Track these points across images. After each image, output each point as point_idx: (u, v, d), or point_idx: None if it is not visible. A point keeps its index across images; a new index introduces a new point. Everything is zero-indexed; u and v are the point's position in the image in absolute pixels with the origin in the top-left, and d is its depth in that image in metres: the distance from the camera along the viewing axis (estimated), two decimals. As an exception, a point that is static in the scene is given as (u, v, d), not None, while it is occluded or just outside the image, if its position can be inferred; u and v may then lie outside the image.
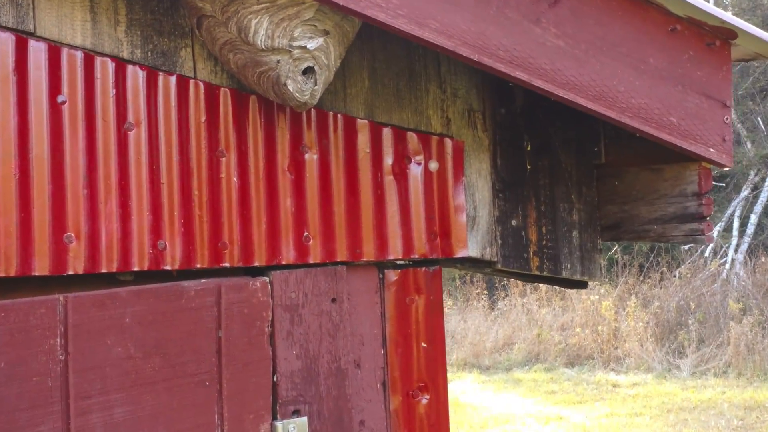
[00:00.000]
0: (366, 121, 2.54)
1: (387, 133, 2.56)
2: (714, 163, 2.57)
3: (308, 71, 2.25)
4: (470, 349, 16.94)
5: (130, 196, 2.28)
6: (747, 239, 18.97)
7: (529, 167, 2.74)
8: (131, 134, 2.29)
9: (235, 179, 2.39)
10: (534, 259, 2.72)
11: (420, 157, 2.59)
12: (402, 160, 2.57)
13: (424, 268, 2.62)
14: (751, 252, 18.41)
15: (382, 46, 2.59)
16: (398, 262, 2.60)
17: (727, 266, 18.36)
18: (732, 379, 14.37)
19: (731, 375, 14.60)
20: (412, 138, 2.59)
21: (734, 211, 19.53)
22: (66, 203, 2.21)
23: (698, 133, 2.51)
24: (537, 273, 2.72)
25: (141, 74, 2.32)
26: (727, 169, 2.51)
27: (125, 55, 2.32)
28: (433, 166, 2.60)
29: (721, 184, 19.63)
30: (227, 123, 2.39)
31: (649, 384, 14.26)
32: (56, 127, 2.22)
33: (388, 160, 2.55)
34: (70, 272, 2.20)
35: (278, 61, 2.21)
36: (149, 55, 2.34)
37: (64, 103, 2.23)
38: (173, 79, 2.35)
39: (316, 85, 2.25)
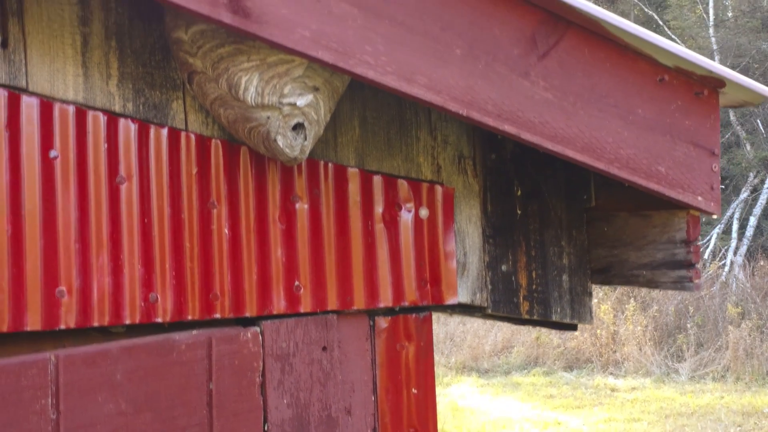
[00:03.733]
0: (356, 170, 2.56)
1: (377, 181, 2.58)
2: (702, 211, 2.59)
3: (298, 127, 2.27)
4: (469, 352, 16.98)
5: (122, 250, 2.30)
6: (746, 241, 18.99)
7: (519, 212, 2.76)
8: (123, 187, 2.31)
9: (226, 230, 2.41)
10: (524, 303, 2.74)
11: (410, 205, 2.61)
12: (392, 207, 2.59)
13: (414, 315, 2.64)
14: (750, 255, 18.43)
15: (372, 95, 2.61)
16: (389, 309, 2.62)
17: (726, 269, 18.38)
18: (730, 384, 14.41)
19: (729, 379, 14.64)
20: (403, 185, 2.61)
21: (733, 214, 19.55)
22: (58, 258, 2.23)
23: (686, 181, 2.53)
24: (527, 317, 2.74)
25: (133, 127, 2.34)
26: (714, 217, 2.53)
27: (117, 108, 2.33)
28: (424, 213, 2.62)
29: (720, 186, 19.61)
30: (218, 174, 2.41)
31: (648, 388, 14.30)
32: (48, 182, 2.24)
33: (379, 208, 2.57)
34: (62, 327, 2.23)
35: (268, 118, 2.23)
36: (141, 108, 2.36)
37: (56, 158, 2.25)
38: (165, 131, 2.37)
39: (306, 140, 2.27)
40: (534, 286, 2.74)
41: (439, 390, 14.11)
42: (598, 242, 2.80)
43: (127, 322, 2.29)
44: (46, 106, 2.25)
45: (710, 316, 15.94)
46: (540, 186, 2.77)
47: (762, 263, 17.46)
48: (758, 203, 19.29)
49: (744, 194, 19.76)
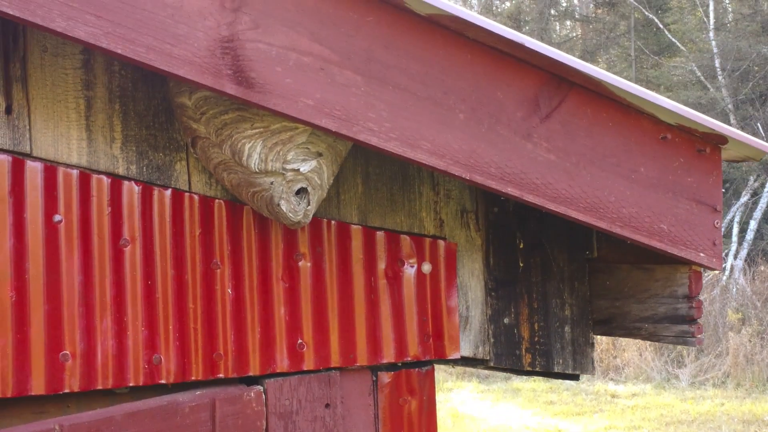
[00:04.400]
0: (359, 227, 2.57)
1: (380, 238, 2.58)
2: (704, 267, 2.60)
3: (301, 192, 2.27)
4: (469, 357, 16.95)
5: (126, 312, 2.31)
6: (746, 245, 19.01)
7: (521, 264, 2.77)
8: (126, 250, 2.32)
9: (229, 290, 2.42)
10: (526, 355, 2.75)
11: (413, 260, 2.62)
12: (395, 263, 2.60)
13: (416, 369, 2.65)
14: (751, 259, 18.45)
15: (375, 152, 2.61)
16: (391, 364, 2.62)
17: (726, 272, 18.39)
18: (731, 390, 14.42)
19: (730, 386, 14.65)
20: (406, 241, 2.61)
21: (734, 217, 19.56)
22: (62, 321, 2.25)
23: (689, 238, 2.53)
24: (529, 369, 2.75)
25: (136, 190, 2.34)
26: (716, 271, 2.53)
27: (121, 171, 2.34)
28: (426, 268, 2.62)
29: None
30: (222, 235, 2.42)
31: (648, 395, 14.31)
32: (52, 246, 2.25)
33: (382, 264, 2.58)
34: (66, 390, 2.24)
35: (272, 183, 2.24)
36: (145, 170, 2.37)
37: (60, 222, 2.26)
38: (168, 193, 2.37)
39: (309, 205, 2.28)
40: (536, 338, 2.75)
41: (439, 396, 14.14)
42: (600, 293, 2.80)
43: (131, 384, 2.31)
44: (50, 170, 2.26)
45: (710, 322, 15.96)
46: (542, 238, 2.78)
47: (762, 268, 17.47)
48: (758, 207, 19.29)
49: (744, 197, 19.77)
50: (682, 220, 2.52)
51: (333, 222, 2.54)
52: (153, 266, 2.35)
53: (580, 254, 2.82)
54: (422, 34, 2.23)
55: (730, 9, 21.68)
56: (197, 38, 2.05)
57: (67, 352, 2.24)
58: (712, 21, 20.11)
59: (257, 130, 2.21)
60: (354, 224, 2.57)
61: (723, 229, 19.48)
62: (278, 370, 2.46)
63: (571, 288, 2.81)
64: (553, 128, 2.36)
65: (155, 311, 2.34)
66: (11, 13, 1.91)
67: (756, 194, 19.67)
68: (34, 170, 2.24)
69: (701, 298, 2.66)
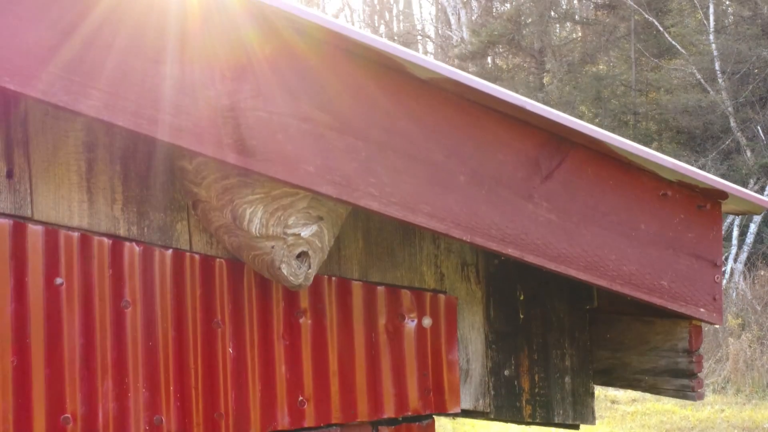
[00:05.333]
0: (360, 283, 2.57)
1: (381, 293, 2.59)
2: (704, 322, 2.60)
3: (302, 255, 2.28)
4: (469, 362, 16.97)
5: (127, 374, 2.31)
6: (746, 248, 19.01)
7: (522, 316, 2.77)
8: (128, 312, 2.33)
9: (230, 350, 2.42)
10: (526, 407, 2.75)
11: (414, 314, 2.62)
12: (396, 318, 2.60)
13: (417, 423, 2.66)
14: (751, 263, 18.44)
15: (376, 208, 2.62)
16: (392, 419, 2.63)
17: (726, 276, 18.40)
18: (731, 396, 14.42)
19: (730, 391, 14.66)
20: (406, 295, 2.62)
21: (733, 220, 19.55)
22: (64, 385, 2.25)
23: (689, 294, 2.54)
24: (529, 420, 2.75)
25: (137, 251, 2.35)
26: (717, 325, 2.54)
27: (122, 232, 2.34)
28: (427, 322, 2.63)
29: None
30: (223, 294, 2.42)
31: (648, 401, 14.31)
32: (53, 309, 2.25)
33: (382, 320, 2.59)
34: (68, 454, 2.24)
35: (272, 247, 2.24)
36: (146, 231, 2.37)
37: (61, 285, 2.26)
38: (169, 253, 2.38)
39: (310, 268, 2.28)
40: (536, 390, 2.76)
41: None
42: (601, 343, 2.81)
43: (132, 446, 2.31)
44: (51, 233, 2.26)
45: (710, 327, 15.97)
46: (542, 289, 2.79)
47: (762, 272, 17.47)
48: (758, 210, 19.25)
49: (744, 201, 19.72)
50: (682, 276, 2.52)
51: (334, 278, 2.54)
52: (154, 327, 2.35)
53: (580, 304, 2.82)
54: (423, 98, 2.23)
55: (730, 12, 21.66)
56: (198, 108, 2.05)
57: (68, 415, 2.25)
58: (712, 24, 20.10)
59: (258, 196, 2.22)
60: (355, 280, 2.57)
61: (723, 232, 19.48)
62: (279, 428, 2.47)
63: (571, 338, 2.81)
64: (553, 188, 2.37)
65: (156, 372, 2.34)
66: (13, 88, 1.91)
67: (756, 197, 19.63)
68: (35, 234, 2.25)
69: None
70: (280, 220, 2.22)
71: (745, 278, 17.81)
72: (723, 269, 18.40)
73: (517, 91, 16.84)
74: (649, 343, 2.69)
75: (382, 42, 2.16)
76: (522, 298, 2.77)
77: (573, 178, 2.39)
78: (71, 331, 2.27)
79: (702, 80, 19.92)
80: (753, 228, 19.07)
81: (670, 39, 20.51)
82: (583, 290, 2.83)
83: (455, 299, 2.67)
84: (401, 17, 31.38)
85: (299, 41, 2.13)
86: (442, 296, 2.65)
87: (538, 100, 16.81)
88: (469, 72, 20.31)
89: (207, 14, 2.05)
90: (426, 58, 2.22)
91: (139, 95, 1.99)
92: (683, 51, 20.53)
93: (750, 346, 15.01)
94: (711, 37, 20.00)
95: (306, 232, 2.25)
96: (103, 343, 2.30)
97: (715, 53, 19.84)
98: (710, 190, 2.52)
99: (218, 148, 2.07)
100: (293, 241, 2.24)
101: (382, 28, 30.16)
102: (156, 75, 2.01)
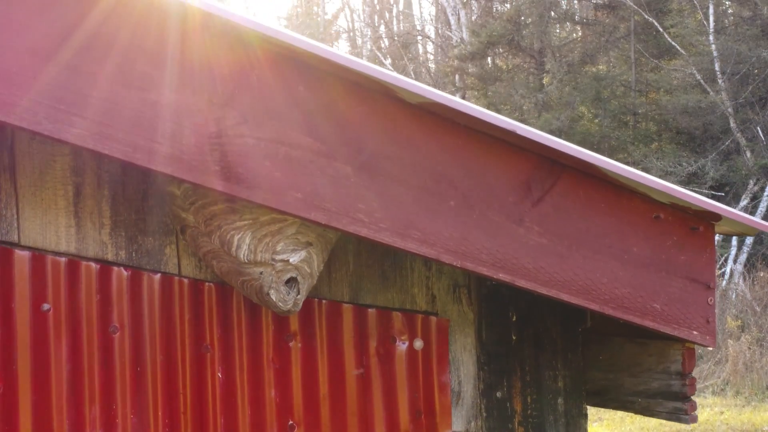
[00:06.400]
0: (350, 305, 2.55)
1: (372, 315, 2.57)
2: (697, 344, 2.58)
3: (291, 281, 2.26)
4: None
5: (115, 400, 2.30)
6: (746, 249, 18.98)
7: (514, 338, 2.75)
8: (116, 337, 2.31)
9: (219, 374, 2.40)
10: (519, 429, 2.74)
11: (405, 337, 2.60)
12: (387, 340, 2.58)
13: (408, 446, 2.64)
14: (751, 264, 18.42)
15: (367, 229, 2.60)
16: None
17: (726, 277, 18.38)
18: (730, 398, 14.40)
19: (729, 393, 14.63)
20: (397, 318, 2.60)
21: (734, 221, 19.46)
22: (51, 412, 2.24)
23: (681, 317, 2.52)
24: (522, 442, 2.74)
25: (125, 275, 2.33)
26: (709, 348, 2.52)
27: (110, 257, 2.33)
28: (418, 344, 2.61)
29: (720, 193, 19.65)
30: (212, 318, 2.40)
31: (647, 403, 14.28)
32: (40, 335, 2.24)
33: (373, 342, 2.57)
34: (55, 481, 2.22)
35: (261, 273, 2.23)
36: (134, 255, 2.35)
37: (48, 311, 2.25)
38: (158, 278, 2.36)
39: (299, 294, 2.27)
40: (529, 411, 2.74)
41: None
42: (594, 364, 2.79)
43: (121, 472, 2.29)
44: (38, 259, 2.25)
45: (710, 329, 15.91)
46: (535, 310, 2.77)
47: (762, 273, 17.44)
48: (758, 211, 19.25)
49: (744, 201, 19.72)
50: (675, 299, 2.51)
51: (324, 301, 2.52)
52: (143, 352, 2.33)
53: (573, 325, 2.81)
54: (413, 123, 2.22)
55: (730, 12, 21.61)
56: (185, 135, 2.03)
57: (56, 441, 2.23)
58: (712, 24, 20.05)
59: (246, 222, 2.20)
60: (345, 302, 2.55)
61: (722, 234, 19.40)
62: (269, 452, 2.45)
63: (564, 359, 2.79)
64: (545, 211, 2.35)
65: (145, 398, 2.33)
66: (-4, 117, 1.89)
67: (756, 198, 19.64)
68: (22, 259, 2.23)
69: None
70: (269, 246, 2.21)
71: (744, 279, 17.79)
72: (722, 270, 18.38)
73: (516, 92, 16.72)
74: (642, 364, 2.67)
75: (371, 67, 2.14)
76: (514, 319, 2.76)
77: (565, 202, 2.37)
78: (58, 357, 2.25)
79: (702, 81, 19.88)
80: (753, 229, 18.99)
81: (669, 39, 20.46)
82: (576, 311, 2.81)
83: (447, 321, 2.65)
84: (401, 17, 31.34)
85: (286, 67, 2.11)
86: (433, 318, 2.64)
87: (537, 101, 16.67)
88: (469, 72, 20.20)
89: (193, 41, 2.03)
90: (415, 82, 2.20)
91: (126, 122, 1.97)
92: (683, 51, 20.48)
93: (749, 348, 14.98)
94: (711, 37, 19.95)
95: (295, 258, 2.23)
96: (90, 369, 2.28)
97: (715, 54, 19.79)
98: (703, 212, 2.50)
99: (205, 176, 2.05)
100: (282, 267, 2.22)
101: (382, 28, 30.12)
102: (143, 102, 1.99)
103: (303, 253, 2.24)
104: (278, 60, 2.09)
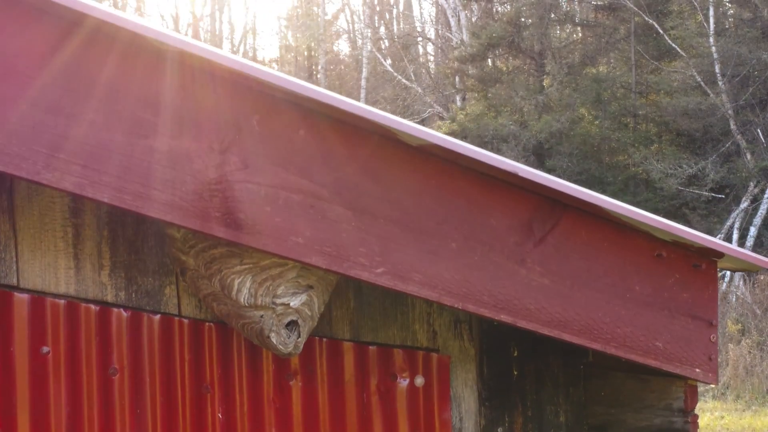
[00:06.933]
0: (351, 344, 2.54)
1: (373, 353, 2.56)
2: (699, 381, 2.57)
3: (292, 324, 2.25)
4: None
5: (115, 442, 2.29)
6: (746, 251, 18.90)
7: (515, 373, 2.74)
8: (115, 379, 2.30)
9: (219, 415, 2.39)
10: (521, 464, 2.73)
11: (406, 374, 2.59)
12: (388, 378, 2.57)
13: (410, 483, 2.63)
14: (751, 267, 18.35)
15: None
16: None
17: (727, 279, 18.36)
18: (730, 402, 14.37)
19: (729, 397, 14.61)
20: (398, 355, 2.59)
21: (733, 223, 19.51)
22: (50, 455, 2.22)
23: (684, 355, 2.51)
24: (523, 478, 2.73)
25: (125, 316, 2.32)
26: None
27: (109, 298, 2.32)
28: (419, 381, 2.60)
29: (720, 195, 19.63)
30: (212, 358, 2.39)
31: (646, 407, 14.27)
32: (40, 378, 2.23)
33: (374, 380, 2.56)
34: None
35: (261, 316, 2.22)
36: (134, 296, 2.34)
37: (47, 354, 2.23)
38: (157, 318, 2.35)
39: (299, 337, 2.26)
40: (530, 446, 2.73)
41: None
42: (596, 399, 2.78)
43: None
44: (38, 302, 2.24)
45: (710, 332, 15.90)
46: (536, 345, 2.76)
47: (762, 276, 17.42)
48: (758, 213, 19.24)
49: (744, 204, 19.70)
50: (677, 337, 2.49)
51: (325, 340, 2.51)
52: (143, 393, 2.32)
53: (575, 360, 2.79)
54: (414, 165, 2.21)
55: (730, 14, 21.59)
56: (185, 182, 2.02)
57: (55, 485, 2.22)
58: (712, 26, 20.03)
59: (246, 266, 2.19)
60: (346, 341, 2.54)
61: (723, 235, 19.43)
62: (269, 492, 2.44)
63: (566, 394, 2.78)
64: (547, 252, 2.34)
65: (144, 439, 2.31)
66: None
67: (756, 200, 19.61)
68: (21, 302, 2.22)
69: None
70: (269, 290, 2.19)
71: (745, 282, 17.78)
72: (723, 273, 18.36)
73: (517, 94, 16.60)
74: (644, 400, 2.66)
75: (371, 111, 2.13)
76: (516, 354, 2.75)
77: (567, 241, 2.36)
78: (58, 399, 2.24)
79: (702, 83, 19.85)
80: (753, 231, 19.02)
81: (670, 41, 20.43)
82: (578, 346, 2.80)
83: (448, 358, 2.64)
84: (401, 18, 31.29)
85: (287, 111, 2.10)
86: (434, 355, 2.63)
87: (537, 103, 16.55)
88: (469, 74, 20.10)
89: (193, 87, 2.01)
90: (415, 125, 2.19)
91: (125, 170, 1.96)
92: (683, 53, 20.45)
93: (750, 352, 14.96)
94: (711, 39, 19.93)
95: (295, 302, 2.22)
96: (90, 412, 2.27)
97: (715, 56, 19.77)
98: (705, 249, 2.49)
99: (206, 222, 2.04)
100: (282, 311, 2.21)
101: (382, 29, 30.08)
102: (143, 149, 1.98)
103: (304, 297, 2.23)
104: (278, 105, 2.08)
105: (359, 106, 2.12)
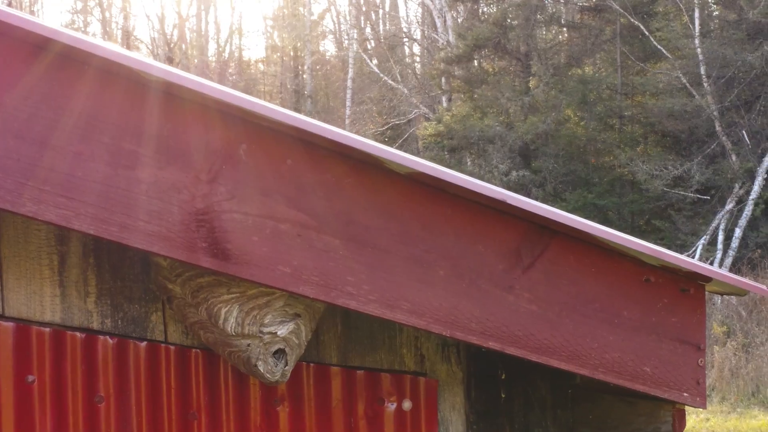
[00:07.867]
0: (338, 369, 2.53)
1: (360, 377, 2.55)
2: (687, 405, 2.58)
3: (279, 352, 2.24)
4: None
5: (101, 471, 2.27)
6: (731, 253, 19.06)
7: (503, 396, 2.74)
8: (101, 407, 2.28)
9: (206, 442, 2.38)
10: (508, 487, 2.73)
11: (393, 398, 2.59)
12: (375, 402, 2.57)
13: (397, 508, 2.62)
14: (736, 268, 18.50)
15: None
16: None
17: (711, 281, 18.41)
18: (716, 404, 14.45)
19: (715, 399, 14.70)
20: (386, 379, 2.58)
21: (719, 224, 19.60)
22: (35, 485, 2.20)
23: (672, 379, 2.51)
24: (511, 501, 2.72)
25: (111, 344, 2.30)
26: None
27: (95, 326, 2.30)
28: (407, 405, 2.59)
29: (705, 197, 19.72)
30: (199, 385, 2.38)
31: (633, 409, 14.32)
32: (25, 407, 2.21)
33: (362, 404, 2.55)
34: None
35: (248, 345, 2.20)
36: (120, 323, 2.33)
37: (33, 382, 2.22)
38: (144, 345, 2.33)
39: (287, 365, 2.24)
40: (518, 469, 2.73)
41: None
42: (584, 421, 2.78)
43: None
44: (23, 330, 2.22)
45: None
46: (524, 367, 2.75)
47: (748, 277, 17.52)
48: (743, 214, 19.34)
49: (729, 205, 19.80)
50: (665, 362, 2.50)
51: (312, 365, 2.50)
52: (129, 421, 2.31)
53: (563, 382, 2.79)
54: (402, 193, 2.20)
55: (715, 15, 21.68)
56: (171, 213, 2.00)
57: None
58: (697, 28, 20.11)
59: (233, 295, 2.17)
60: (333, 365, 2.53)
61: (708, 237, 19.52)
62: None
63: (553, 416, 2.78)
64: (535, 278, 2.33)
65: (131, 467, 2.30)
66: (-20, 200, 1.86)
67: (741, 202, 19.72)
68: (6, 331, 2.20)
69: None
70: (256, 319, 2.18)
71: (729, 284, 17.84)
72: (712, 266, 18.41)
73: (503, 95, 16.63)
74: (632, 424, 2.66)
75: (358, 140, 2.12)
76: (504, 377, 2.74)
77: (555, 267, 2.36)
78: (43, 428, 2.23)
79: (687, 84, 19.93)
80: (738, 233, 19.11)
81: (655, 43, 20.50)
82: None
83: (436, 382, 2.63)
84: (387, 19, 31.28)
85: (274, 141, 2.08)
86: (422, 379, 2.62)
87: (523, 104, 16.61)
88: (455, 75, 20.14)
89: (178, 118, 2.00)
90: (403, 153, 2.18)
91: (111, 202, 1.95)
92: (669, 55, 20.53)
93: (735, 354, 15.05)
94: (696, 41, 20.00)
95: (283, 331, 2.21)
96: (76, 441, 2.25)
97: (701, 57, 19.84)
98: (693, 274, 2.49)
99: (192, 253, 2.02)
100: (270, 340, 2.20)
101: (368, 30, 30.05)
102: (129, 180, 1.96)
103: (291, 325, 2.22)
104: (265, 134, 2.07)
105: (347, 135, 2.11)
